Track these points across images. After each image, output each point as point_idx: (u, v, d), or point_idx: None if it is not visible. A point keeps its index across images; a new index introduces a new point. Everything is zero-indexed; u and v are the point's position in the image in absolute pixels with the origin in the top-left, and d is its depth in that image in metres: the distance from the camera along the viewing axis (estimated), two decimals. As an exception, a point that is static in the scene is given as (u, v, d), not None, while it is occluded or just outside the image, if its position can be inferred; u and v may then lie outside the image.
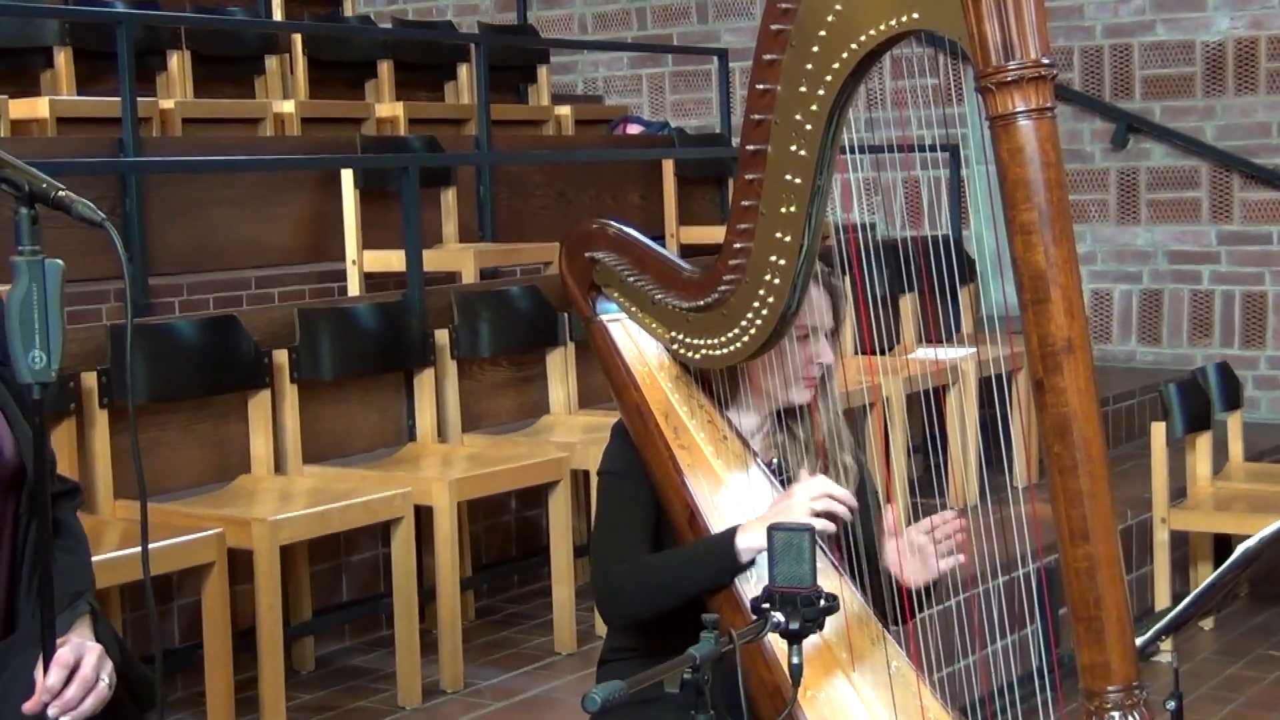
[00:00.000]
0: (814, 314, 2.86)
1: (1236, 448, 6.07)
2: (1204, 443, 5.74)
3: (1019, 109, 2.22)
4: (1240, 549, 2.79)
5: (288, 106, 7.25)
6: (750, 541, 2.67)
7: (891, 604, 2.76)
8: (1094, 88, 8.17)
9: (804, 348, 2.87)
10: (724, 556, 2.70)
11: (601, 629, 4.54)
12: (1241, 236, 7.83)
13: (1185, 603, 2.84)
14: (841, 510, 2.70)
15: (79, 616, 2.45)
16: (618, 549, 2.83)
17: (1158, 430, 5.51)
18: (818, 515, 2.67)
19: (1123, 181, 8.11)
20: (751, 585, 2.70)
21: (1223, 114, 7.86)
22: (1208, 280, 7.91)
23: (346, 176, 6.19)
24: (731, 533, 2.71)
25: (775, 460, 2.95)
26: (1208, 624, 5.71)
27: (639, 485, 2.86)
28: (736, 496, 2.84)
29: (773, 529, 2.32)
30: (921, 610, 2.79)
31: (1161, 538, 5.60)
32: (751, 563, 2.69)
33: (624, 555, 2.82)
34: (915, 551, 2.76)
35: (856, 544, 2.77)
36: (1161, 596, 5.63)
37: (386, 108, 7.69)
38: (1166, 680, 2.83)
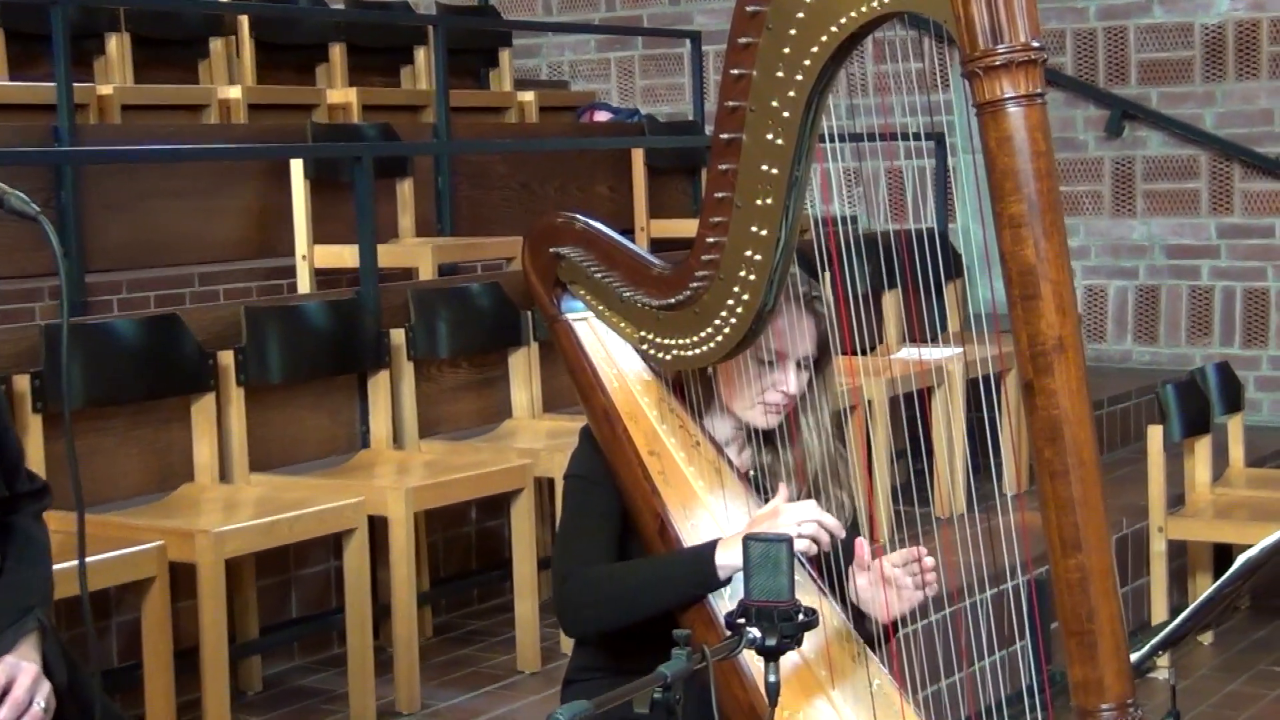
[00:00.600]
0: (786, 338, 2.86)
1: (1237, 452, 6.10)
2: (1203, 447, 5.77)
3: (1008, 95, 2.23)
4: (1241, 559, 2.80)
5: (234, 92, 7.23)
6: (731, 558, 2.67)
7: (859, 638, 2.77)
8: (1087, 73, 8.21)
9: (768, 371, 2.88)
10: (702, 572, 2.71)
11: (567, 646, 4.54)
12: (1242, 229, 7.87)
13: (1183, 616, 2.85)
14: (824, 536, 2.71)
15: (25, 634, 2.43)
16: (582, 556, 2.83)
17: (1154, 434, 5.53)
18: (802, 539, 2.67)
19: (1117, 172, 8.15)
20: (725, 599, 2.71)
21: (1223, 100, 7.90)
22: (1207, 276, 7.95)
23: (296, 167, 6.18)
24: (711, 547, 2.71)
25: (752, 474, 2.96)
26: (1207, 638, 5.74)
27: (605, 491, 2.87)
28: (710, 506, 2.85)
29: (748, 539, 2.33)
30: (878, 648, 2.79)
31: (1158, 548, 5.63)
32: (729, 580, 2.70)
33: (588, 563, 2.82)
34: (882, 585, 2.76)
35: (838, 561, 2.77)
36: (1158, 609, 5.65)
37: (339, 93, 7.68)
38: (1163, 698, 2.85)
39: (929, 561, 2.75)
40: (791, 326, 2.85)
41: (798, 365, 2.89)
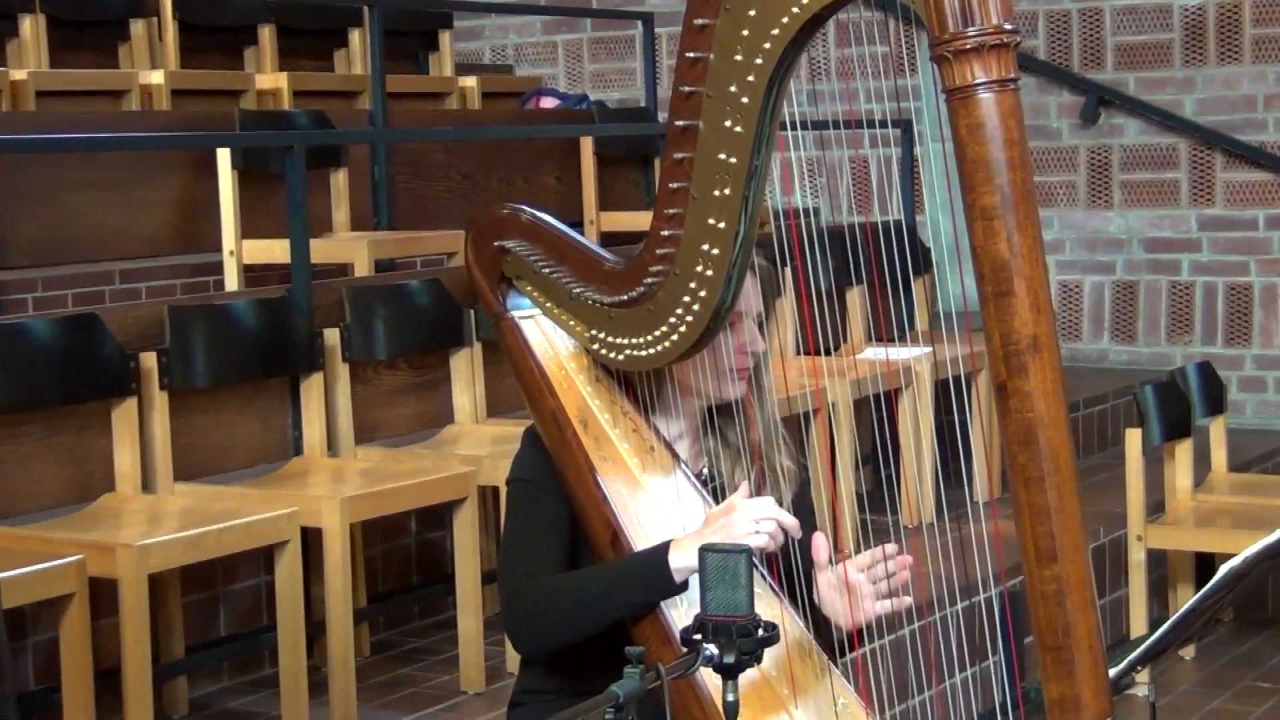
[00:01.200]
0: (742, 298, 2.85)
1: (1220, 457, 6.14)
2: (1184, 451, 5.81)
3: (979, 80, 2.23)
4: (1224, 569, 2.82)
5: (156, 77, 7.20)
6: (686, 560, 2.67)
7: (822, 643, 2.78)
8: (1061, 57, 8.25)
9: (735, 335, 2.88)
10: (655, 577, 2.71)
11: (513, 666, 4.53)
12: (1225, 222, 7.92)
13: (1163, 629, 2.86)
14: (779, 536, 2.71)
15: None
16: (529, 566, 2.83)
17: (1132, 438, 5.57)
18: (759, 535, 2.67)
19: (1093, 161, 8.19)
20: (682, 613, 2.71)
21: (1203, 86, 7.95)
22: (1187, 271, 8.00)
23: (223, 156, 6.16)
24: (663, 550, 2.72)
25: (705, 470, 2.96)
26: (1188, 653, 5.78)
27: (553, 497, 2.88)
28: (665, 514, 2.85)
29: (705, 550, 2.32)
30: (843, 655, 2.80)
31: (1137, 557, 5.66)
32: (685, 584, 2.70)
33: (536, 573, 2.83)
34: (843, 590, 2.77)
35: (796, 564, 2.78)
36: (1137, 623, 5.68)
37: (268, 79, 7.65)
38: (1143, 716, 2.90)
39: (903, 559, 2.75)
40: (745, 285, 2.83)
41: (755, 322, 2.91)
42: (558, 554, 2.86)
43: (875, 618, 2.77)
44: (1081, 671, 2.27)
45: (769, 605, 2.74)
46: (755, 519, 2.68)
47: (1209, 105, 7.93)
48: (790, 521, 2.71)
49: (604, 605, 2.76)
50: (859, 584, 2.76)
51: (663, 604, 2.74)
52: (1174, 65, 8.01)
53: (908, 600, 2.77)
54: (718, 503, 2.86)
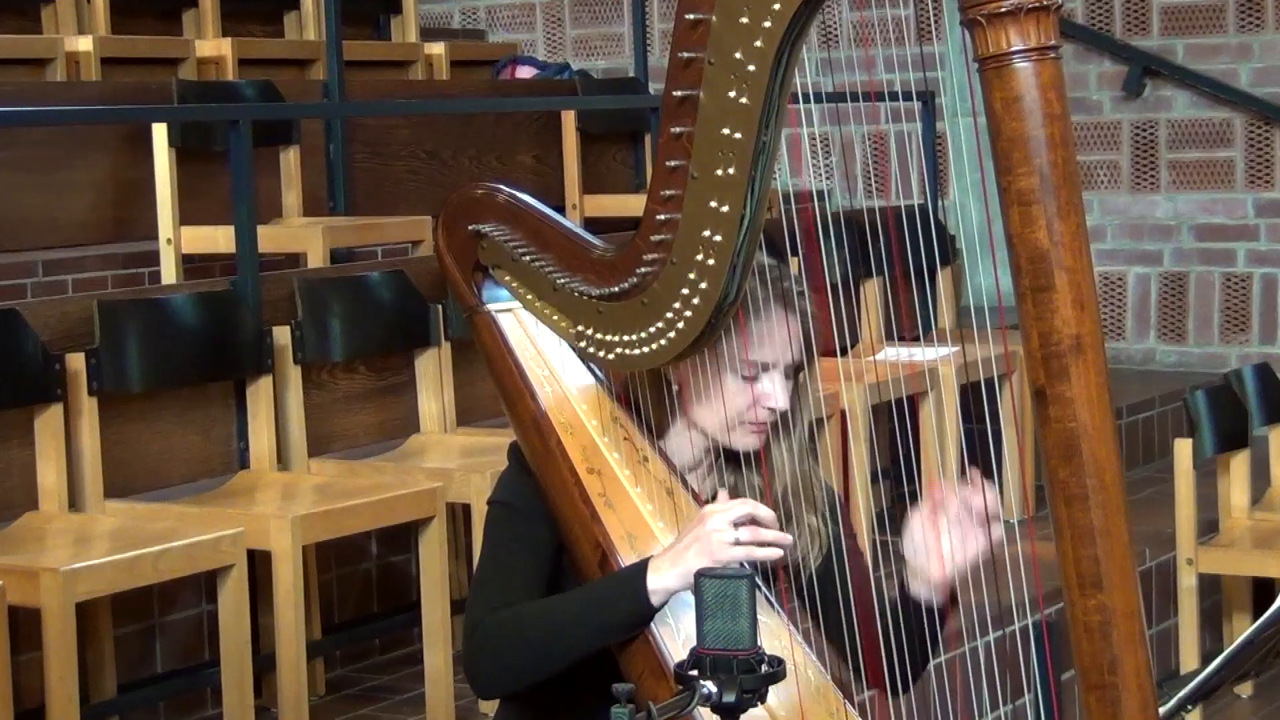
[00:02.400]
0: (773, 346, 2.85)
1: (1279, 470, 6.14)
2: (1240, 464, 5.81)
3: (1015, 48, 2.22)
4: (1285, 595, 2.81)
5: (84, 44, 7.19)
6: (665, 581, 2.68)
7: (922, 631, 2.79)
8: (1102, 21, 8.26)
9: (751, 386, 2.87)
10: (629, 600, 2.71)
11: (487, 705, 4.53)
12: (1285, 207, 7.93)
13: (1217, 663, 2.86)
14: (766, 552, 2.69)
15: None
16: (499, 599, 2.83)
17: (1182, 449, 5.56)
18: (739, 546, 2.65)
19: (1138, 138, 8.19)
20: (679, 643, 2.70)
21: (1261, 54, 7.95)
22: (1244, 261, 8.00)
23: (159, 133, 6.14)
24: (639, 570, 2.72)
25: (713, 494, 2.94)
26: (1245, 690, 5.77)
27: (537, 524, 2.87)
28: (660, 535, 2.84)
29: (702, 576, 2.30)
30: (935, 652, 2.81)
31: (1188, 583, 5.65)
32: (663, 606, 2.70)
33: (508, 605, 2.82)
34: (957, 523, 2.79)
35: (813, 594, 2.79)
36: (1188, 656, 5.68)
37: (210, 45, 7.65)
38: (1196, 760, 2.87)
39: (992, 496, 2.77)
40: (775, 330, 2.85)
41: (785, 375, 2.89)
42: (532, 584, 2.85)
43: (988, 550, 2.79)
44: (1129, 712, 2.27)
45: (776, 636, 2.73)
46: (729, 521, 2.67)
47: (1267, 75, 7.93)
48: (768, 515, 2.70)
49: (571, 637, 2.75)
50: (963, 515, 2.79)
51: (658, 633, 2.73)
52: (1228, 30, 8.01)
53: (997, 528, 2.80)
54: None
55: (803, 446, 2.96)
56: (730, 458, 2.95)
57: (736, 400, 2.86)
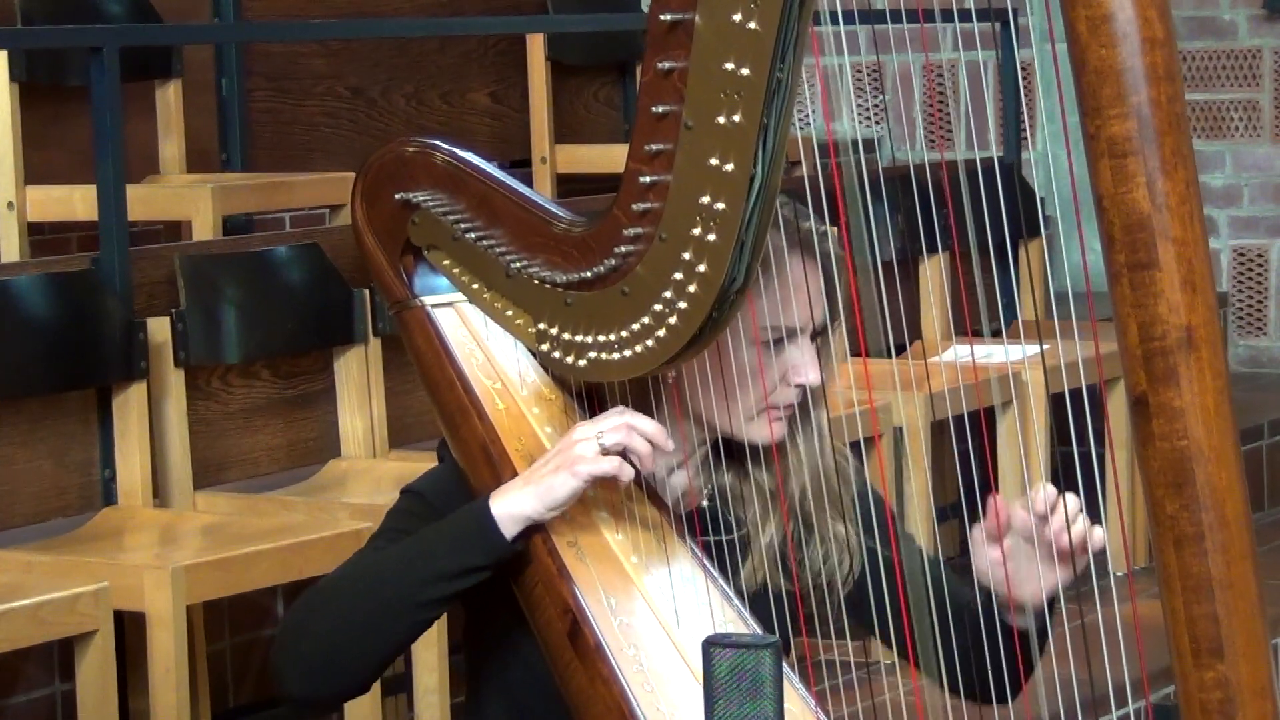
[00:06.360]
0: (792, 306, 2.68)
1: None
2: None
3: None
4: None
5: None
6: (513, 505, 2.56)
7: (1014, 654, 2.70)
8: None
9: (776, 357, 2.70)
10: (476, 533, 2.58)
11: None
12: None
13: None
14: (642, 446, 2.56)
15: None
16: None
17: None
18: (607, 454, 2.54)
19: None
20: (662, 705, 2.55)
21: None
22: None
23: (-1, 63, 5.96)
24: (483, 501, 2.59)
25: (706, 505, 2.78)
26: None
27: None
28: (649, 590, 2.67)
29: (711, 646, 2.17)
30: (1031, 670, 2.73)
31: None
32: (517, 541, 2.57)
33: None
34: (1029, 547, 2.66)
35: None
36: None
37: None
38: None
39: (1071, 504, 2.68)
40: (798, 285, 2.67)
41: (812, 341, 2.72)
42: None
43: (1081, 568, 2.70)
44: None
45: (799, 711, 2.57)
46: (597, 433, 2.55)
47: None
48: (652, 427, 2.57)
49: (405, 586, 2.61)
50: (1043, 530, 2.67)
51: (634, 699, 2.53)
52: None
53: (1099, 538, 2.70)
54: (724, 561, 2.69)
55: (823, 433, 2.79)
56: (727, 451, 2.79)
57: (752, 381, 2.70)
